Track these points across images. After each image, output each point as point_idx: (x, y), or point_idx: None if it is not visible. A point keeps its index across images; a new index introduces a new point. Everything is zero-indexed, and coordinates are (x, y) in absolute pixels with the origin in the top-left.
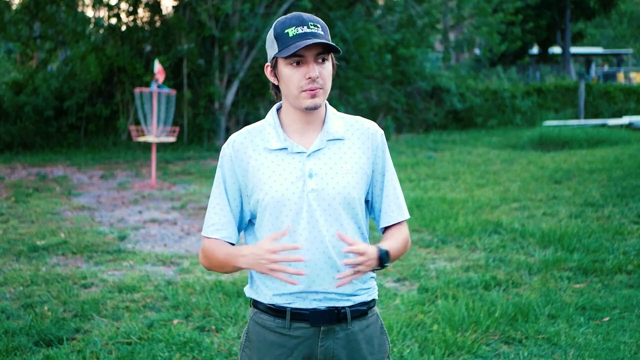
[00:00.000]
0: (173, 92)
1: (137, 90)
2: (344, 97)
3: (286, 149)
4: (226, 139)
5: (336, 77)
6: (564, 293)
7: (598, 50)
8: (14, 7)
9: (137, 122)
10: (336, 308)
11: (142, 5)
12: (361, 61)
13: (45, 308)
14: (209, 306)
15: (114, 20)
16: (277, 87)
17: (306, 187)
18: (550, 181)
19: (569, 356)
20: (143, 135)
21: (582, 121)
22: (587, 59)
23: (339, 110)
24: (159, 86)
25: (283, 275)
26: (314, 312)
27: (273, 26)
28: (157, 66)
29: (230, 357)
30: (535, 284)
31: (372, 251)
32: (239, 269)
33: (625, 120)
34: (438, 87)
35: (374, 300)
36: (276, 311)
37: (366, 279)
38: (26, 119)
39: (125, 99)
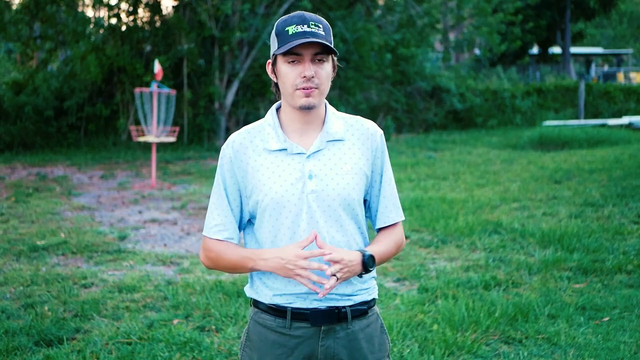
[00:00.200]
0: (173, 92)
1: (137, 90)
2: (344, 97)
3: (286, 149)
4: (226, 139)
5: (336, 77)
6: (564, 293)
7: (598, 50)
8: (14, 7)
9: (137, 122)
10: (336, 308)
11: (142, 5)
12: (361, 61)
13: (45, 308)
14: (209, 306)
15: (114, 20)
16: (277, 85)
17: (306, 188)
18: (550, 181)
19: (569, 356)
20: (143, 135)
21: (582, 121)
22: (587, 59)
23: (339, 110)
24: (159, 86)
25: (307, 281)
26: (315, 311)
27: (276, 23)
28: (157, 66)
29: (230, 357)
30: (535, 284)
31: (352, 257)
32: (255, 271)
33: (625, 120)
34: (438, 87)
35: (374, 299)
36: (277, 311)
37: (366, 279)
38: (26, 119)
39: (125, 99)
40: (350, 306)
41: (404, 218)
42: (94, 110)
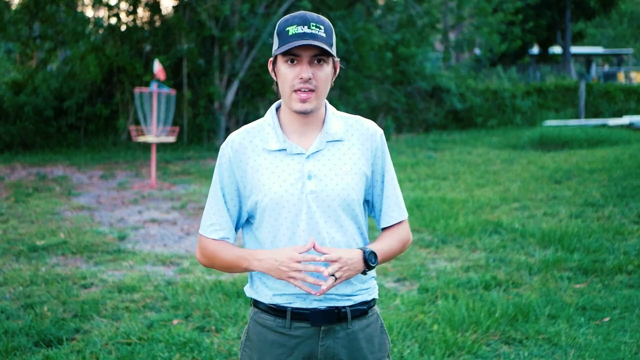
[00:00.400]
0: (173, 92)
1: (137, 90)
2: (344, 97)
3: (285, 150)
4: (226, 138)
5: (336, 77)
6: (564, 293)
7: (598, 50)
8: (13, 7)
9: (137, 122)
10: (336, 308)
11: (142, 5)
12: (361, 61)
13: (45, 308)
14: (209, 306)
15: (113, 20)
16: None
17: (305, 188)
18: (550, 181)
19: (570, 356)
20: (143, 135)
21: (583, 121)
22: (588, 58)
23: (339, 110)
24: (159, 86)
25: (302, 283)
26: (314, 311)
27: (278, 22)
28: (157, 66)
29: (230, 357)
30: (535, 284)
31: (351, 255)
32: (249, 271)
33: (626, 120)
34: (438, 87)
35: (374, 299)
36: (277, 311)
37: (366, 279)
38: (26, 119)
39: (125, 99)
40: (350, 306)
41: (407, 216)
42: (94, 110)
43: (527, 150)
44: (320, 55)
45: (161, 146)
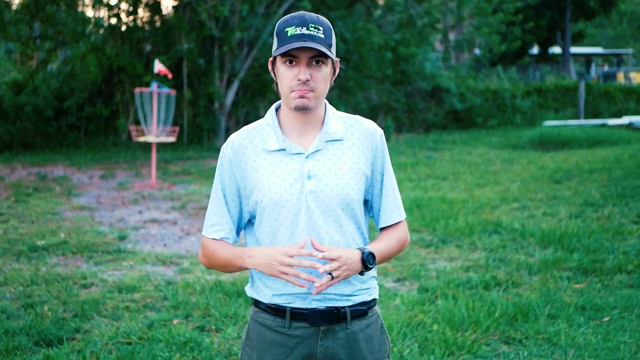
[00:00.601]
0: (173, 92)
1: (137, 90)
2: (344, 97)
3: (285, 150)
4: (226, 138)
5: (336, 77)
6: (564, 293)
7: (598, 50)
8: (14, 7)
9: (137, 122)
10: (335, 308)
11: (142, 5)
12: (361, 61)
13: (45, 308)
14: (209, 306)
15: (114, 20)
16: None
17: (305, 188)
18: (550, 181)
19: (569, 356)
20: (143, 135)
21: (582, 121)
22: (587, 59)
23: (338, 110)
24: (159, 86)
25: (293, 279)
26: (314, 311)
27: (278, 23)
28: (158, 66)
29: (230, 357)
30: (535, 284)
31: (350, 255)
32: (244, 269)
33: (625, 120)
34: (438, 87)
35: (374, 299)
36: (276, 310)
37: (366, 279)
38: (26, 119)
39: (125, 99)
40: (349, 306)
41: (405, 216)
42: (94, 110)
43: (527, 150)
44: (319, 57)
45: (161, 146)
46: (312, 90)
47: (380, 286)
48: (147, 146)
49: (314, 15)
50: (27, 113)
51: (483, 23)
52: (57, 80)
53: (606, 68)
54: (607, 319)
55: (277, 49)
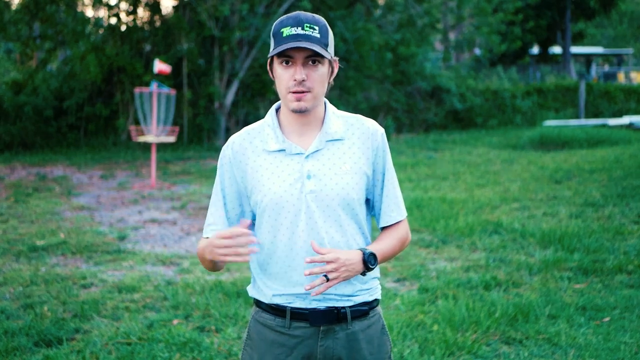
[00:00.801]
0: (173, 92)
1: (136, 90)
2: (344, 97)
3: (284, 150)
4: (226, 138)
5: (336, 77)
6: (564, 293)
7: (598, 50)
8: (13, 7)
9: (137, 122)
10: (336, 308)
11: (142, 5)
12: (361, 61)
13: (45, 308)
14: (209, 306)
15: (113, 20)
16: None
17: (305, 188)
18: (550, 181)
19: (570, 356)
20: (143, 135)
21: (583, 121)
22: (588, 58)
23: (339, 109)
24: (159, 85)
25: (235, 257)
26: (314, 311)
27: (274, 23)
28: (158, 65)
29: (230, 357)
30: (535, 284)
31: (350, 256)
32: (209, 260)
33: (626, 120)
34: (438, 87)
35: (376, 300)
36: (277, 310)
37: (367, 279)
38: (26, 119)
39: (125, 99)
40: (350, 307)
41: (406, 215)
42: (94, 110)
43: (527, 150)
44: (314, 56)
45: (161, 146)
46: (308, 91)
47: (381, 286)
48: (147, 146)
49: (309, 14)
50: (27, 113)
51: (483, 23)
52: (57, 80)
53: (606, 68)
54: (607, 319)
55: (273, 49)
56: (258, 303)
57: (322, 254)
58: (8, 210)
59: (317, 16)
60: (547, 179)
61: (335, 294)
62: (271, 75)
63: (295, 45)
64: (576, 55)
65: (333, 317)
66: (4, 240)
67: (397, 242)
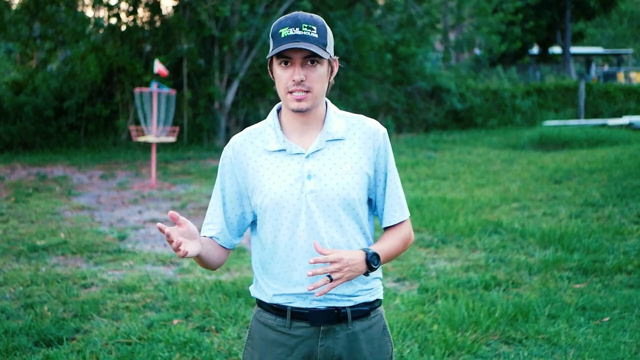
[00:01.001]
0: (173, 92)
1: (137, 90)
2: (344, 97)
3: (285, 150)
4: (226, 138)
5: (336, 77)
6: (564, 293)
7: (598, 50)
8: (14, 7)
9: (137, 122)
10: (336, 308)
11: (142, 5)
12: (361, 61)
13: (45, 308)
14: (209, 306)
15: (113, 20)
16: None
17: (305, 188)
18: (550, 181)
19: (569, 356)
20: (143, 135)
21: (582, 121)
22: (587, 58)
23: (339, 109)
24: (159, 86)
25: (175, 245)
26: (314, 311)
27: (273, 24)
28: (158, 66)
29: (230, 357)
30: (535, 284)
31: (353, 256)
32: (198, 258)
33: (626, 120)
34: (438, 87)
35: (377, 300)
36: (277, 310)
37: (368, 279)
38: (26, 119)
39: (125, 99)
40: (351, 307)
41: (409, 215)
42: (94, 110)
43: (527, 150)
44: (313, 57)
45: (161, 146)
46: (308, 91)
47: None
48: (147, 146)
49: (307, 15)
50: (27, 113)
51: (483, 23)
52: (57, 80)
53: (606, 68)
54: (607, 319)
55: (271, 50)
56: (260, 303)
57: (325, 254)
58: (8, 210)
59: (315, 16)
60: (547, 179)
61: (335, 294)
62: (271, 76)
63: (292, 46)
64: (576, 55)
65: (333, 317)
66: (4, 240)
67: (400, 242)
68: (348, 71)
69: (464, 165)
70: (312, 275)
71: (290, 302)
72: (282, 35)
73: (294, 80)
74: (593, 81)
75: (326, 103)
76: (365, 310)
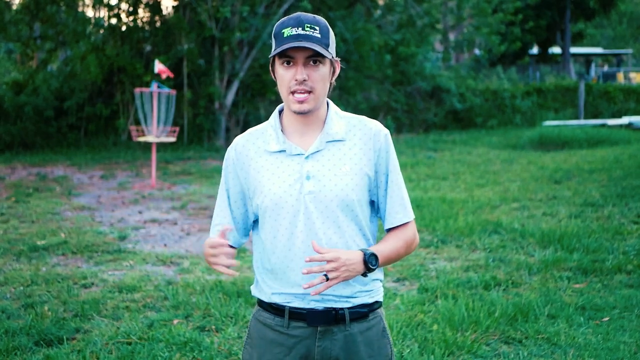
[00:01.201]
0: (173, 92)
1: (137, 90)
2: (344, 97)
3: (285, 151)
4: (226, 138)
5: (336, 77)
6: (563, 293)
7: (598, 50)
8: (14, 7)
9: (137, 122)
10: (334, 309)
11: (142, 5)
12: (361, 61)
13: (45, 308)
14: (209, 306)
15: (114, 20)
16: None
17: (303, 189)
18: (550, 181)
19: (569, 356)
20: (143, 135)
21: (582, 121)
22: (587, 59)
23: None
24: (159, 86)
25: (223, 269)
26: (312, 312)
27: (275, 25)
28: (159, 66)
29: (230, 357)
30: (535, 284)
31: (351, 256)
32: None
33: (625, 120)
34: (438, 87)
35: (377, 302)
36: (276, 309)
37: (367, 281)
38: (26, 119)
39: (125, 99)
40: (349, 308)
41: (413, 217)
42: (94, 110)
43: (527, 150)
44: (315, 56)
45: (161, 146)
46: (310, 91)
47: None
48: (147, 146)
49: (310, 15)
50: (27, 113)
51: (483, 23)
52: (57, 81)
53: (606, 68)
54: (607, 319)
55: (274, 50)
56: (259, 302)
57: (322, 254)
58: (9, 210)
59: (318, 17)
60: (546, 179)
61: (333, 295)
62: (273, 77)
63: (295, 45)
64: (576, 56)
65: (331, 317)
66: (4, 240)
67: (402, 244)
68: (348, 71)
69: (464, 165)
70: (307, 273)
71: (288, 302)
72: (285, 35)
73: (296, 80)
74: (593, 81)
75: (328, 104)
76: (363, 312)
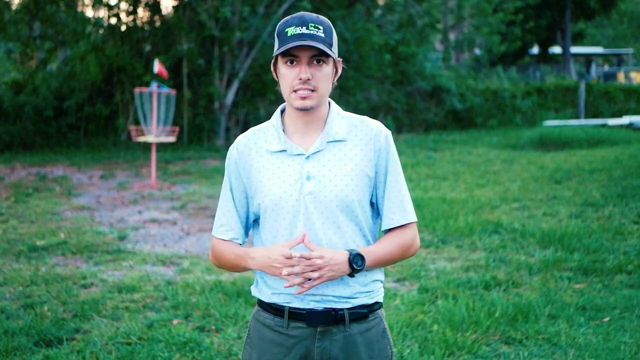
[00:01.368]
0: (173, 92)
1: (136, 90)
2: (344, 97)
3: (286, 151)
4: (226, 138)
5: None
6: (564, 293)
7: (598, 50)
8: (13, 7)
9: (137, 122)
10: (333, 309)
11: (142, 5)
12: (361, 61)
13: (45, 308)
14: (209, 306)
15: (113, 20)
16: None
17: (304, 189)
18: (550, 181)
19: (569, 356)
20: (143, 135)
21: (582, 121)
22: (588, 58)
23: None
24: (159, 86)
25: (293, 278)
26: (311, 312)
27: (278, 24)
28: (158, 65)
29: (230, 357)
30: (535, 284)
31: (335, 256)
32: (248, 269)
33: (626, 120)
34: (438, 87)
35: (377, 303)
36: (276, 310)
37: (367, 281)
38: (26, 119)
39: (125, 99)
40: (348, 309)
41: (413, 220)
42: (94, 110)
43: (527, 150)
44: (319, 56)
45: (161, 146)
46: (313, 90)
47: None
48: (147, 146)
49: (313, 15)
50: (27, 113)
51: (483, 23)
52: (57, 80)
53: (606, 68)
54: (607, 319)
55: (277, 49)
56: (259, 302)
57: (311, 249)
58: (8, 210)
59: (321, 17)
60: (547, 179)
61: (332, 296)
62: (275, 76)
63: (300, 44)
64: (576, 55)
65: (330, 318)
66: (4, 240)
67: (397, 247)
68: (348, 71)
69: (464, 165)
70: (287, 274)
71: (288, 302)
72: (289, 34)
73: (300, 79)
74: (593, 81)
75: (329, 104)
76: (363, 312)
